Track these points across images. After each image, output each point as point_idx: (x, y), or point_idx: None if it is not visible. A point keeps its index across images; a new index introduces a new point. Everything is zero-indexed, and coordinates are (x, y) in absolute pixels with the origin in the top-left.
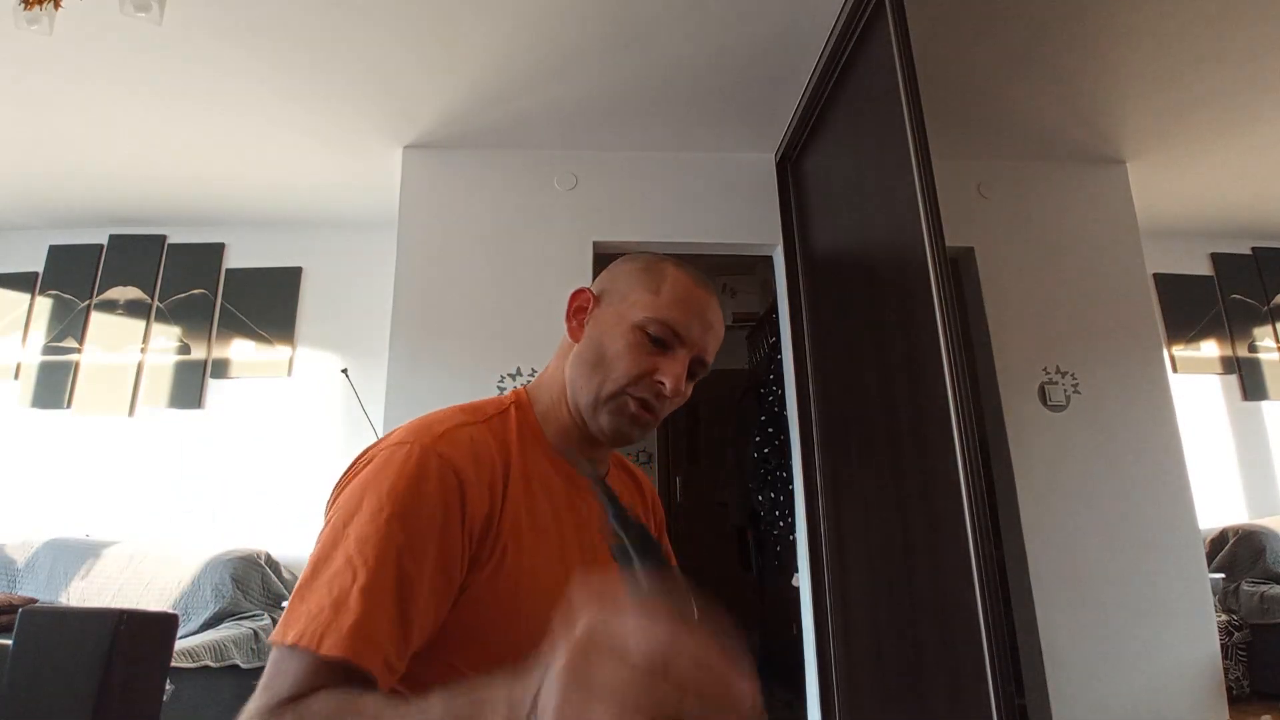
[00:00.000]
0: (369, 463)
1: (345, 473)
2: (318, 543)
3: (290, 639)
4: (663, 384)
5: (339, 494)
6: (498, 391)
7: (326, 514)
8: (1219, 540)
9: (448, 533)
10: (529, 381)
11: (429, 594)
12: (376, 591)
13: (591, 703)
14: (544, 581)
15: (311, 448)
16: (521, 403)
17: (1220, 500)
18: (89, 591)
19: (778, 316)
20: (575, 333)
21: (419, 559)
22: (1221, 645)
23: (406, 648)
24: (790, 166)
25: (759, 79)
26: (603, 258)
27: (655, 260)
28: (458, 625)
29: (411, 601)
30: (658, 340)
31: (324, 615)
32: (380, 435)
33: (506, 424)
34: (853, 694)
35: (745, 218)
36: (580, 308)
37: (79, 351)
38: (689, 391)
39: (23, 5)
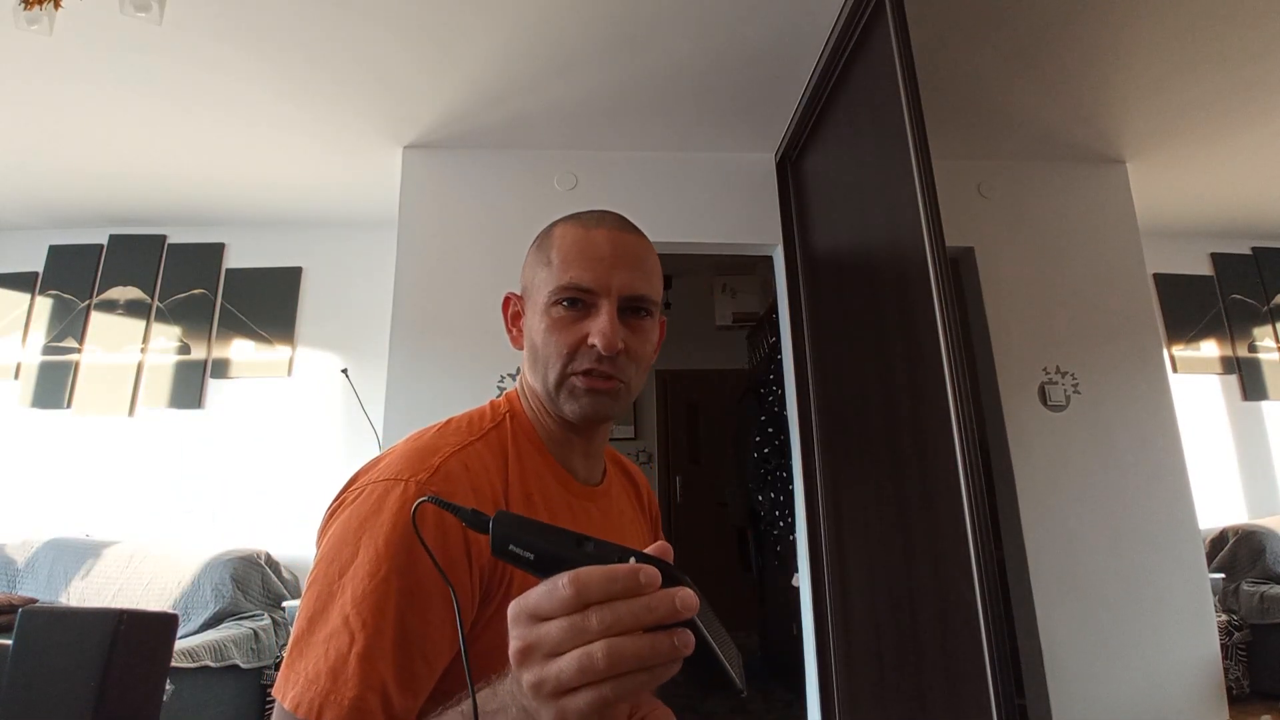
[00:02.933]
0: (360, 495)
1: (337, 497)
2: (311, 584)
3: (289, 702)
4: (594, 345)
5: (330, 522)
6: (498, 391)
7: (319, 541)
8: (1219, 540)
9: (453, 577)
10: None
11: (438, 640)
12: (375, 657)
13: (538, 667)
14: None
15: (311, 448)
16: (515, 409)
17: (1220, 500)
18: (89, 591)
19: (778, 316)
20: (516, 340)
21: (423, 611)
22: (1221, 645)
23: (416, 700)
24: (790, 166)
25: (759, 79)
26: None
27: (545, 230)
28: (476, 656)
29: (418, 656)
30: (574, 304)
31: (321, 683)
32: (380, 436)
33: (503, 435)
34: (853, 694)
35: (745, 218)
36: (515, 314)
37: (79, 351)
38: (652, 332)
39: (23, 5)
